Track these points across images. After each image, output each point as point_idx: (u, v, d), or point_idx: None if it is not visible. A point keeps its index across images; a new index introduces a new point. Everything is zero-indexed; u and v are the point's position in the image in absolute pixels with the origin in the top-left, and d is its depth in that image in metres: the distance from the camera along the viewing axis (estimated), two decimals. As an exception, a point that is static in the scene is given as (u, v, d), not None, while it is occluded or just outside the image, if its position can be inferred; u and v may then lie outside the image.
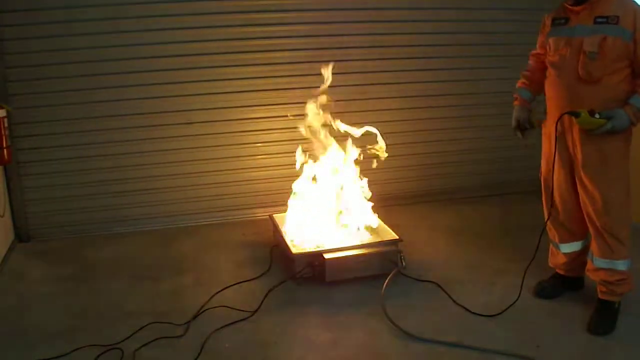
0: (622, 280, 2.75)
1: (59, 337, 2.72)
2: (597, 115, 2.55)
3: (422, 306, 3.00)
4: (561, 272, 3.05)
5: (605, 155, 2.64)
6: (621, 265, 2.72)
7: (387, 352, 2.62)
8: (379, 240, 3.43)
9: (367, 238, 3.46)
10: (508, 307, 2.86)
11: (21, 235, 3.95)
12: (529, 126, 2.92)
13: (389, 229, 3.51)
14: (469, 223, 4.19)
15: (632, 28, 2.46)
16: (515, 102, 2.98)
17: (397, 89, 4.35)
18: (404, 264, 3.26)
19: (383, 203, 3.84)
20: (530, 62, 2.97)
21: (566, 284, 3.06)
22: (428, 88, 4.41)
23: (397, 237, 3.39)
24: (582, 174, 2.71)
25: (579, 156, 2.70)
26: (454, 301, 3.00)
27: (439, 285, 3.17)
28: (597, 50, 2.53)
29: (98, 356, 2.57)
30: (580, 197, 2.77)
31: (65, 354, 2.58)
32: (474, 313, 2.89)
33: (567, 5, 2.64)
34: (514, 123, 2.94)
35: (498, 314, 2.86)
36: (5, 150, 3.45)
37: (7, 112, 3.51)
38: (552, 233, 3.00)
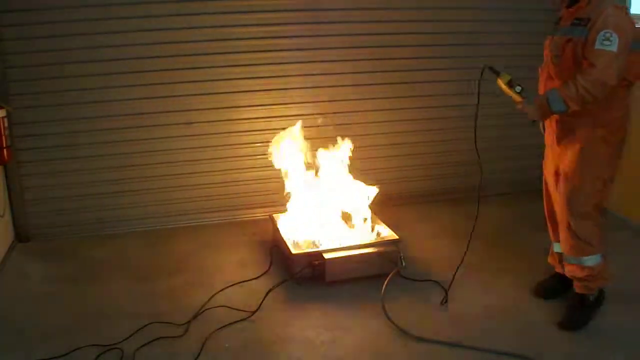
0: (591, 276, 2.76)
1: (59, 337, 2.73)
2: (517, 89, 2.62)
3: (422, 306, 3.00)
4: (559, 271, 3.06)
5: (579, 153, 2.65)
6: (588, 261, 2.73)
7: (387, 352, 2.63)
8: (379, 240, 3.43)
9: (367, 238, 3.47)
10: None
11: (21, 235, 3.94)
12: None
13: (389, 229, 3.51)
14: (469, 223, 4.17)
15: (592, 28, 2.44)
16: None
17: (396, 89, 4.34)
18: (403, 264, 3.26)
19: (383, 203, 3.84)
20: None
21: (565, 284, 3.06)
22: (427, 88, 4.41)
23: (397, 237, 3.39)
24: (560, 168, 2.76)
25: (557, 150, 2.76)
26: (452, 302, 3.00)
27: (439, 285, 3.17)
28: (557, 52, 2.60)
29: (98, 356, 2.57)
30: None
31: (65, 354, 2.58)
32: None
33: (563, 7, 2.67)
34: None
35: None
36: (5, 150, 3.45)
37: (7, 112, 3.51)
38: (549, 230, 3.04)
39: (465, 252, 3.04)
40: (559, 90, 2.53)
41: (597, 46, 2.41)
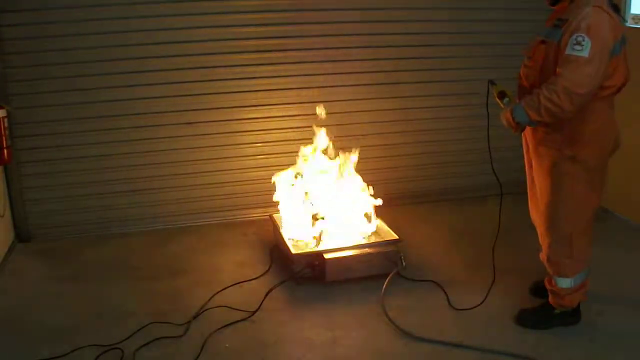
0: (557, 294, 2.70)
1: (59, 337, 2.73)
2: (505, 100, 2.55)
3: (422, 306, 3.00)
4: None
5: (549, 173, 2.52)
6: (560, 282, 2.66)
7: (387, 352, 2.63)
8: (379, 240, 3.43)
9: (367, 238, 3.47)
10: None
11: (21, 235, 3.94)
12: None
13: (389, 229, 3.51)
14: (469, 223, 4.18)
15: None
16: None
17: (396, 89, 4.34)
18: (404, 264, 3.26)
19: (383, 203, 3.83)
20: None
21: None
22: (427, 88, 4.41)
23: (397, 237, 3.38)
24: (535, 181, 2.68)
25: (533, 161, 2.67)
26: (452, 302, 3.00)
27: (439, 285, 3.17)
28: (527, 54, 2.50)
29: (98, 356, 2.57)
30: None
31: (65, 354, 2.58)
32: (474, 313, 2.89)
33: (548, 4, 2.51)
34: None
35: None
36: (5, 150, 3.45)
37: (7, 112, 3.51)
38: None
39: (493, 263, 2.98)
40: (524, 99, 2.38)
41: (568, 51, 2.22)
